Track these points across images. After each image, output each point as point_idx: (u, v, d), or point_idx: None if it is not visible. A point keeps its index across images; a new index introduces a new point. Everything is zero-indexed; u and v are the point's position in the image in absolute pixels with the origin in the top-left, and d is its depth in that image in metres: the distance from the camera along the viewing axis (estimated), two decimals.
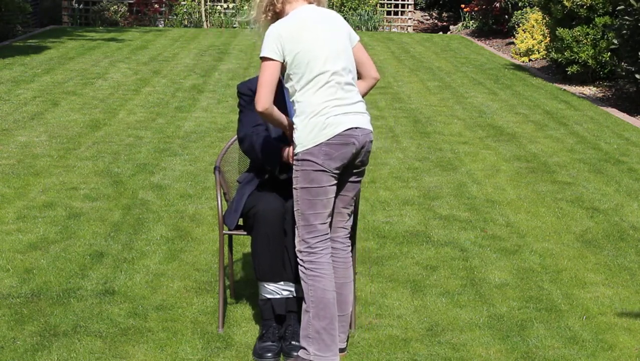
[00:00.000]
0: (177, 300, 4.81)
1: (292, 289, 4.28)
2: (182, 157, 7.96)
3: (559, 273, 5.39)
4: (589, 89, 12.74)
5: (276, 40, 3.95)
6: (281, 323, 4.30)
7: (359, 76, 4.21)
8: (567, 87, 12.74)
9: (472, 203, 6.81)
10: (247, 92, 4.57)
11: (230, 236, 4.74)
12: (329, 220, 4.08)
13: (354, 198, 4.20)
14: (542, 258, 5.64)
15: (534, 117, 10.34)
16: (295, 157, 4.02)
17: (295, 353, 4.14)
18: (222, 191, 4.56)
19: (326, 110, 3.94)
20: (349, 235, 4.25)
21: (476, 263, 5.51)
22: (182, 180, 7.22)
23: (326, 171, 3.96)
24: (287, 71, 4.01)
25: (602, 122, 10.19)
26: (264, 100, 3.95)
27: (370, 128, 4.08)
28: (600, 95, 12.32)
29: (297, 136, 3.99)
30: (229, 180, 4.79)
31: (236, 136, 4.58)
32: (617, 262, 5.61)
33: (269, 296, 4.28)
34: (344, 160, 3.98)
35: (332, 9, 21.30)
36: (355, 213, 4.32)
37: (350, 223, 4.25)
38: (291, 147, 4.25)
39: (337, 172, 4.00)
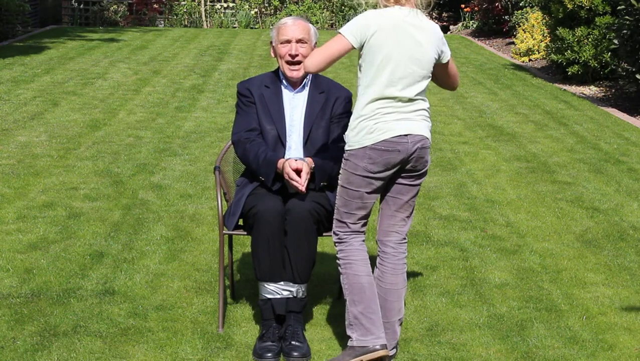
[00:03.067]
0: (177, 300, 4.81)
1: (293, 289, 4.28)
2: (182, 157, 7.96)
3: (559, 273, 5.39)
4: (589, 88, 12.74)
5: (364, 29, 3.88)
6: (281, 323, 4.30)
7: (436, 82, 4.34)
8: (567, 87, 12.74)
9: (472, 203, 6.81)
10: (245, 93, 4.57)
11: (230, 236, 4.74)
12: (365, 221, 4.10)
13: (410, 202, 4.12)
14: (542, 258, 5.64)
15: (534, 117, 10.34)
16: (344, 154, 4.04)
17: (295, 353, 4.14)
18: (222, 191, 4.56)
19: (377, 116, 3.94)
20: (403, 242, 4.18)
21: (476, 263, 5.51)
22: (182, 180, 7.22)
23: (367, 176, 3.96)
24: (359, 60, 3.98)
25: (602, 122, 10.19)
26: (315, 66, 3.92)
27: (424, 134, 4.05)
28: (600, 95, 12.32)
29: (346, 133, 4.03)
30: (229, 180, 4.79)
31: None
32: (617, 262, 5.61)
33: (269, 296, 4.28)
34: (388, 166, 3.97)
35: (333, 8, 21.38)
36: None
37: (405, 228, 4.17)
38: (287, 160, 4.27)
39: (380, 175, 3.97)
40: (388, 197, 4.13)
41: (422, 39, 3.97)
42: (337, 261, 4.14)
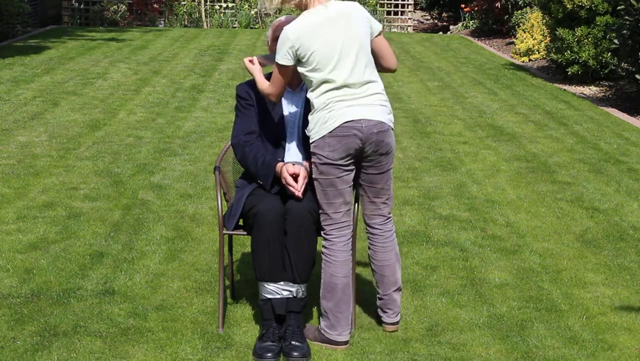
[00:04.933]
0: (177, 300, 4.81)
1: (293, 289, 4.28)
2: (182, 157, 7.97)
3: (559, 273, 5.39)
4: (589, 89, 12.74)
5: (287, 46, 4.13)
6: (281, 323, 4.30)
7: (377, 67, 4.34)
8: (567, 87, 12.74)
9: (472, 203, 6.81)
10: (244, 96, 4.56)
11: (230, 236, 4.74)
12: (347, 209, 4.27)
13: (384, 187, 4.35)
14: (542, 258, 5.64)
15: (534, 117, 10.34)
16: (310, 149, 4.24)
17: (295, 353, 4.15)
18: (222, 191, 4.56)
19: (330, 104, 4.14)
20: (387, 221, 4.44)
21: (476, 263, 5.51)
22: (182, 180, 7.22)
23: (332, 163, 4.14)
24: (300, 69, 4.19)
25: (602, 122, 10.19)
26: (276, 96, 4.28)
27: (380, 119, 4.17)
28: (600, 95, 12.32)
29: (307, 129, 4.25)
30: (229, 180, 4.79)
31: None
32: (617, 262, 5.61)
33: (269, 296, 4.28)
34: (349, 152, 4.14)
35: None
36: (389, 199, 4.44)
37: (387, 210, 4.43)
38: (285, 165, 4.29)
39: (343, 162, 4.16)
40: (363, 185, 4.36)
41: (346, 24, 4.16)
42: (322, 253, 4.32)
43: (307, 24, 4.14)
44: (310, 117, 4.23)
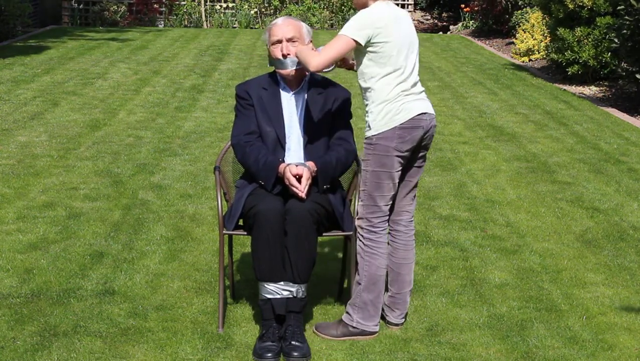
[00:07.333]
0: (177, 300, 4.81)
1: (293, 289, 4.28)
2: (182, 157, 7.97)
3: (559, 273, 5.39)
4: (589, 88, 12.74)
5: (370, 27, 4.14)
6: (281, 323, 4.30)
7: None
8: (567, 87, 12.74)
9: (472, 203, 6.81)
10: (244, 96, 4.56)
11: (230, 236, 4.74)
12: (391, 203, 4.37)
13: (416, 183, 4.48)
14: (542, 258, 5.64)
15: (534, 117, 10.35)
16: (367, 141, 4.28)
17: (295, 353, 4.15)
18: (222, 191, 4.56)
19: (400, 97, 4.24)
20: (412, 219, 4.53)
21: (476, 263, 5.51)
22: (182, 180, 7.22)
23: (397, 156, 4.23)
24: (367, 57, 4.21)
25: (602, 122, 10.19)
26: (322, 65, 4.18)
27: (434, 113, 4.40)
28: (600, 95, 12.32)
29: (370, 120, 4.26)
30: (229, 180, 4.79)
31: None
32: (617, 262, 5.61)
33: (269, 296, 4.28)
34: (414, 143, 4.28)
35: (332, 8, 21.39)
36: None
37: (413, 207, 4.53)
38: (288, 166, 4.28)
39: (407, 154, 4.29)
40: (402, 180, 4.42)
41: (410, 24, 4.34)
42: (362, 247, 4.35)
43: (389, 14, 4.21)
44: (369, 108, 4.25)
